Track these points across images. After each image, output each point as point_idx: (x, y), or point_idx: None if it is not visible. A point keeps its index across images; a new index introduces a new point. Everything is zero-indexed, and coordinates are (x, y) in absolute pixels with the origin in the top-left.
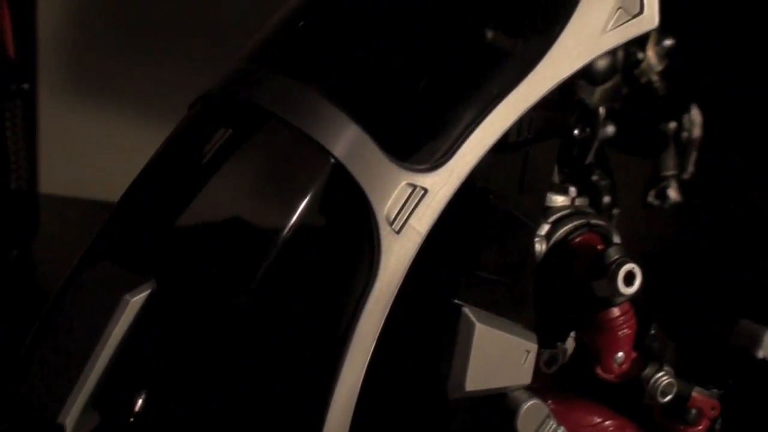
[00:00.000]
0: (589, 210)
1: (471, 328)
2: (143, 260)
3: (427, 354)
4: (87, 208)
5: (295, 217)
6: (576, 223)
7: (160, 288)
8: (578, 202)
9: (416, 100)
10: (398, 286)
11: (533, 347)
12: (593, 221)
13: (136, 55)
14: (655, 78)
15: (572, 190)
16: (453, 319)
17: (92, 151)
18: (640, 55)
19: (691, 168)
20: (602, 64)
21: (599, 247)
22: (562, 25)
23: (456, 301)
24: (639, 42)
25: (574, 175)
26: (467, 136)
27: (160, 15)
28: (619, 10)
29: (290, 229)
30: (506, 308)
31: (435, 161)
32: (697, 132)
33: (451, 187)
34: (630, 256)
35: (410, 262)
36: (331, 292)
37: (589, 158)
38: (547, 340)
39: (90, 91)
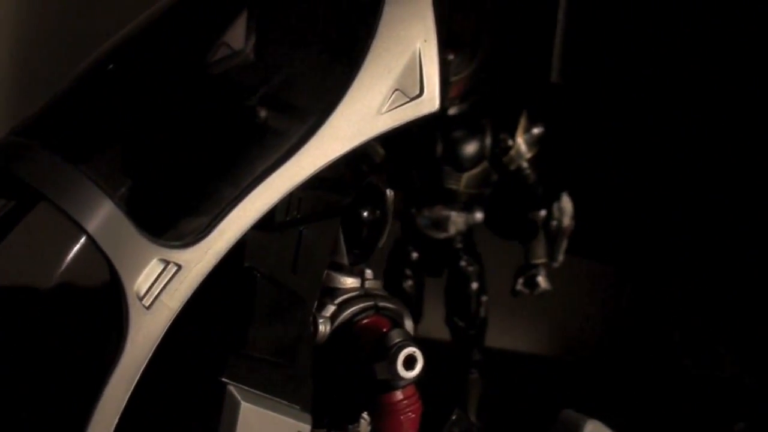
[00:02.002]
0: (380, 292)
1: (236, 406)
2: None
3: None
4: None
5: (48, 288)
6: (363, 305)
7: None
8: (370, 284)
9: (174, 176)
10: (146, 361)
11: (306, 428)
12: (381, 304)
13: None
14: (524, 165)
15: (368, 272)
16: (219, 397)
17: None
18: (509, 143)
19: (561, 257)
20: (469, 150)
21: (384, 330)
22: (333, 106)
23: (223, 379)
24: (508, 129)
25: (365, 257)
26: (226, 214)
27: None
28: (396, 92)
29: (43, 298)
30: (279, 388)
31: (191, 238)
32: (567, 221)
33: (208, 264)
34: (413, 340)
35: (160, 338)
36: (77, 365)
37: (382, 241)
38: (338, 422)
39: None
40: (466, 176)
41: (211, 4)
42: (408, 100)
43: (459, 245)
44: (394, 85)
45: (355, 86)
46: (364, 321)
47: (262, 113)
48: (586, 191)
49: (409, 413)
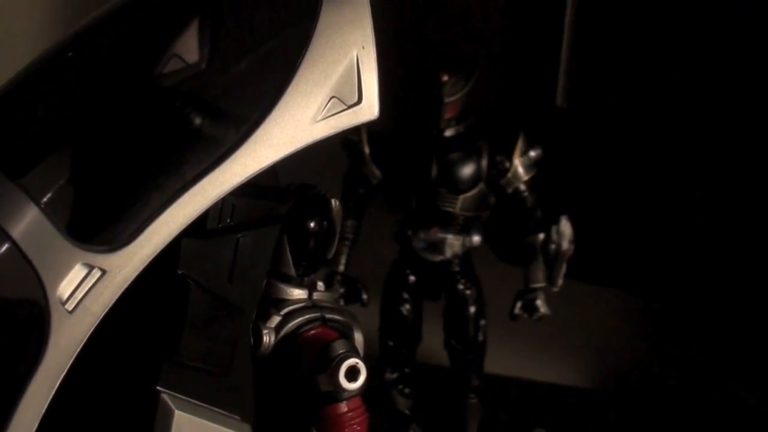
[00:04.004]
0: (328, 304)
1: (169, 415)
2: None
3: None
4: None
5: None
6: (308, 316)
7: None
8: (319, 296)
9: (104, 181)
10: (68, 365)
11: None
12: (329, 315)
13: None
14: (522, 188)
15: (320, 284)
16: (152, 406)
17: None
18: (506, 165)
19: (560, 281)
20: (465, 172)
21: (328, 341)
22: (266, 113)
23: (157, 387)
24: (505, 151)
25: (313, 269)
26: (153, 220)
27: None
28: (333, 99)
29: None
30: (217, 398)
31: (117, 243)
32: (566, 244)
33: (134, 269)
34: (357, 352)
35: (83, 342)
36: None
37: (330, 253)
38: None
39: None
40: (462, 198)
41: (154, 11)
42: (346, 107)
43: (456, 268)
44: (331, 92)
45: (290, 93)
46: (310, 332)
47: (197, 120)
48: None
49: (354, 425)
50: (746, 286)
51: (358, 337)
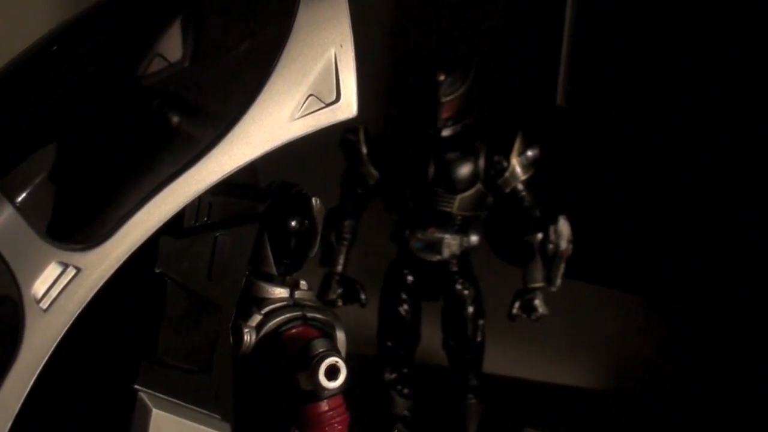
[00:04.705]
0: (310, 303)
1: (147, 413)
2: None
3: None
4: None
5: None
6: (289, 315)
7: None
8: (300, 295)
9: (79, 180)
10: (42, 363)
11: None
12: (310, 314)
13: None
14: (520, 187)
15: (302, 283)
16: (130, 404)
17: None
18: (504, 164)
19: (558, 281)
20: (462, 172)
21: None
22: (243, 111)
23: (135, 385)
24: (503, 151)
25: (295, 268)
26: (128, 218)
27: None
28: (310, 98)
29: None
30: (196, 397)
31: (92, 241)
32: (564, 244)
33: (109, 267)
34: (337, 351)
35: (58, 340)
36: None
37: (312, 252)
38: None
39: None
40: (459, 198)
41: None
42: (323, 105)
43: (454, 268)
44: (309, 90)
45: (267, 91)
46: (291, 331)
47: (175, 119)
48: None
49: (335, 424)
50: (752, 285)
51: (340, 336)
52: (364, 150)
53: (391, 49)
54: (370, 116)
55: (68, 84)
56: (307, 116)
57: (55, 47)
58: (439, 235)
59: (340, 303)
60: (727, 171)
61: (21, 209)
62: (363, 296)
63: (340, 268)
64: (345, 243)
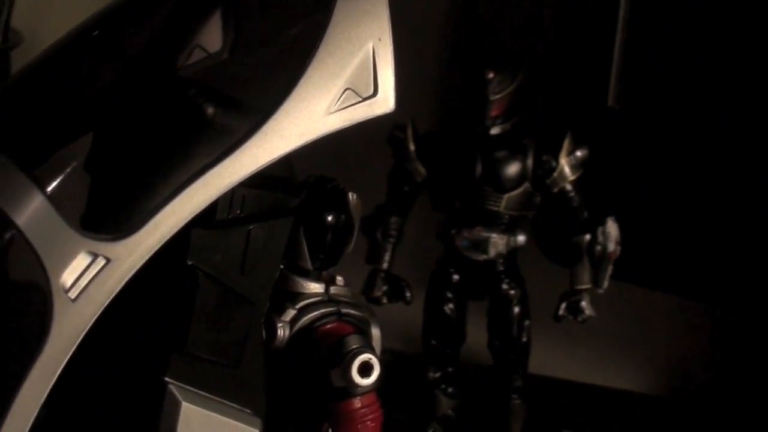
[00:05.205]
0: (345, 299)
1: (176, 406)
2: None
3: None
4: None
5: None
6: (324, 310)
7: None
8: (336, 290)
9: (112, 170)
10: (70, 353)
11: None
12: (345, 310)
13: None
14: (568, 188)
15: (339, 279)
16: (159, 396)
17: None
18: (552, 164)
19: (605, 283)
20: (510, 171)
21: (343, 336)
22: (279, 104)
23: (165, 378)
24: (552, 151)
25: (331, 262)
26: (160, 209)
27: None
28: (347, 91)
29: None
30: (227, 391)
31: (123, 232)
32: (611, 246)
33: (139, 258)
34: (371, 347)
35: (86, 330)
36: (4, 354)
37: (349, 247)
38: (301, 429)
39: None
40: (506, 197)
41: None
42: (360, 99)
43: (501, 268)
44: (345, 84)
45: (303, 84)
46: (325, 326)
47: (210, 110)
48: (660, 224)
49: (368, 422)
50: None
51: (376, 333)
52: (412, 147)
53: (447, 48)
54: (425, 112)
55: (105, 73)
56: (344, 110)
57: (93, 34)
58: (485, 234)
59: (385, 300)
60: None
61: (51, 198)
62: (408, 294)
63: (385, 265)
64: (391, 240)
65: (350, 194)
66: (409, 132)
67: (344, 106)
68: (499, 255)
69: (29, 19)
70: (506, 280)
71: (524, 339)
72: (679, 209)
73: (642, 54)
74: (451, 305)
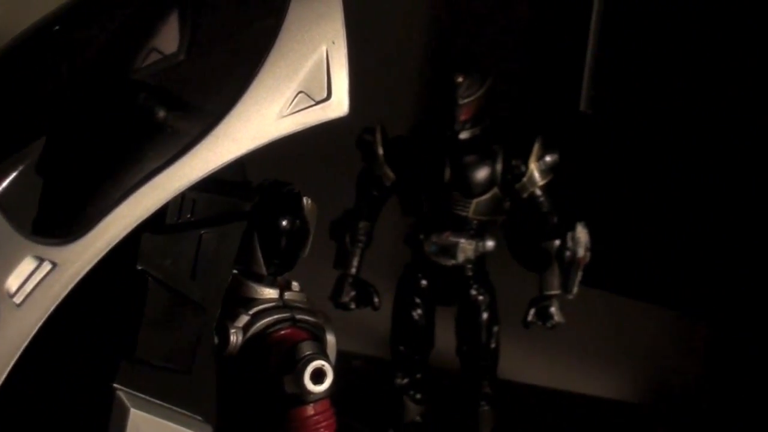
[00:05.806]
0: (300, 305)
1: (125, 413)
2: None
3: None
4: None
5: None
6: (278, 316)
7: None
8: (291, 296)
9: (59, 173)
10: (15, 359)
11: None
12: (299, 316)
13: None
14: (538, 193)
15: (294, 284)
16: (108, 403)
17: None
18: (522, 169)
19: (575, 289)
20: (479, 175)
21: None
22: (230, 106)
23: (114, 384)
24: (521, 155)
25: (286, 268)
26: (108, 213)
27: None
28: (300, 95)
29: None
30: (178, 397)
31: (70, 236)
32: (581, 252)
33: (86, 263)
34: (325, 354)
35: (31, 336)
36: None
37: (304, 252)
38: None
39: None
40: (475, 202)
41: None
42: (314, 103)
43: (469, 273)
44: (298, 87)
45: (255, 86)
46: (279, 333)
47: (161, 113)
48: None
49: (321, 429)
50: None
51: (331, 339)
52: (381, 151)
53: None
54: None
55: (54, 75)
56: (297, 113)
57: (46, 35)
58: (454, 239)
59: (353, 306)
60: (755, 179)
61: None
62: (376, 300)
63: (353, 270)
64: (359, 245)
65: (305, 198)
66: (378, 136)
67: (297, 109)
68: (467, 260)
69: (6, 20)
70: (475, 286)
71: (493, 345)
72: (650, 215)
73: (614, 59)
74: (419, 311)
